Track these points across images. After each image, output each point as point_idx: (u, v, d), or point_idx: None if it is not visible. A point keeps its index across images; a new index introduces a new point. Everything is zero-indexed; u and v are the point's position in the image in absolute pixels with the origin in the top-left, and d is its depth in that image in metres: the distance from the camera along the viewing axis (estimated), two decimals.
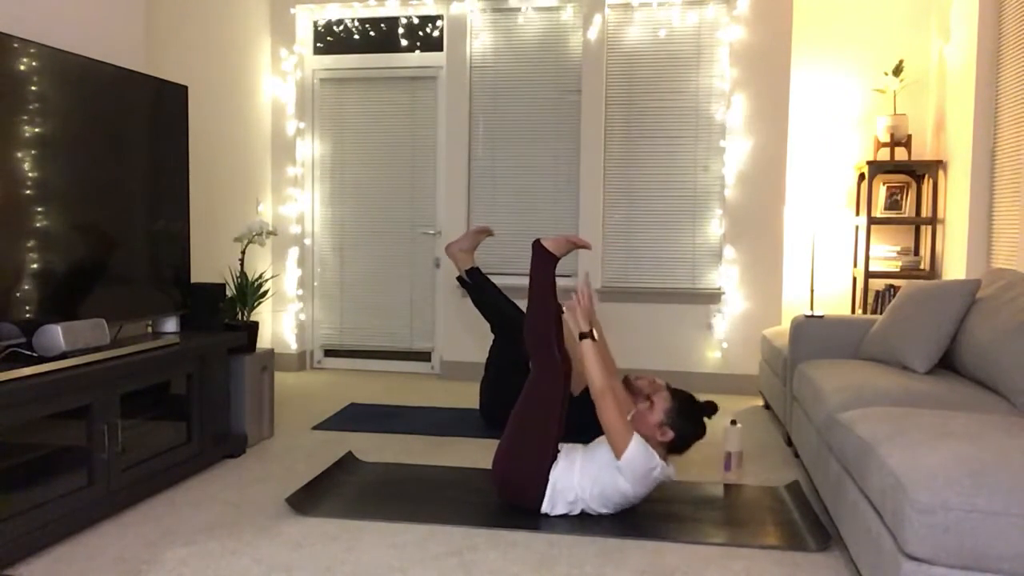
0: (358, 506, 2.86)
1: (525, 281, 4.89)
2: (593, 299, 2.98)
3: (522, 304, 4.34)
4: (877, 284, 4.97)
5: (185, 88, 3.43)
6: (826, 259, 5.16)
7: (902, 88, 4.94)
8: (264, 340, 5.43)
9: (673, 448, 2.78)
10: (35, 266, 2.64)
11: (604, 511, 2.78)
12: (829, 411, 2.71)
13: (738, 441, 3.29)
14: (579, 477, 2.77)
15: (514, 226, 5.27)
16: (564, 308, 2.94)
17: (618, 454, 2.67)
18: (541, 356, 2.83)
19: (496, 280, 5.04)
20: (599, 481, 2.73)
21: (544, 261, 2.95)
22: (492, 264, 5.26)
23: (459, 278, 4.10)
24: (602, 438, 2.85)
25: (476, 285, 4.05)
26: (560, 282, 5.12)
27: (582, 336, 2.82)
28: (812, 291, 5.00)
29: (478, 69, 5.26)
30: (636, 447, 2.66)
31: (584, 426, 3.83)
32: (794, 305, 5.16)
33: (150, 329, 3.48)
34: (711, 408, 2.81)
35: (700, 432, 2.79)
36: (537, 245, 2.98)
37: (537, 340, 2.84)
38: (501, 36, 5.23)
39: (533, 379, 2.83)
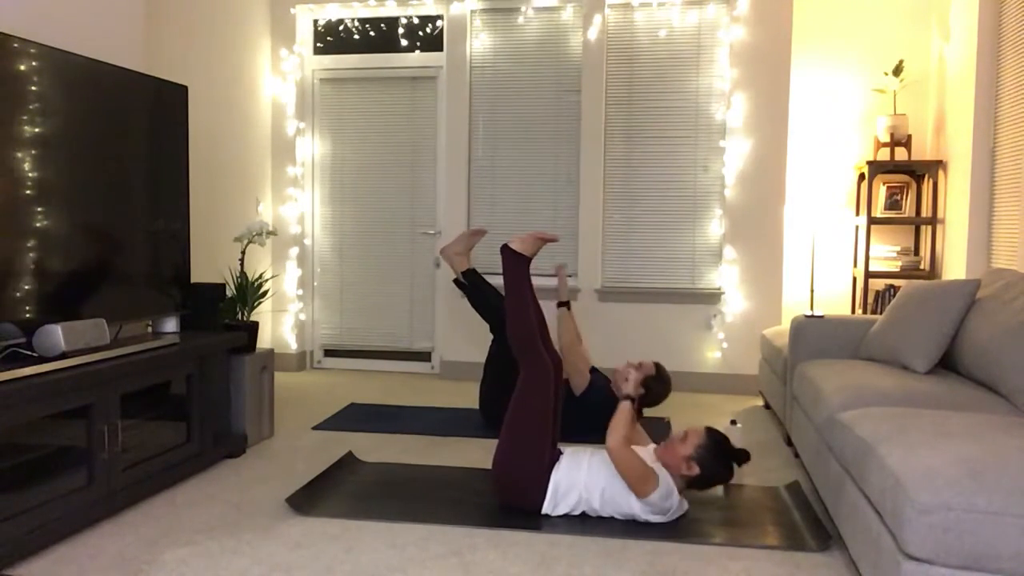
0: (358, 506, 2.86)
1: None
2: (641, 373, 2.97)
3: None
4: (877, 284, 4.97)
5: (185, 88, 3.43)
6: (826, 259, 5.16)
7: (902, 88, 4.94)
8: (264, 340, 5.43)
9: (695, 484, 2.75)
10: (35, 266, 2.64)
11: (605, 515, 2.78)
12: (829, 411, 2.71)
13: (738, 441, 3.29)
14: (586, 477, 2.75)
15: (514, 226, 5.26)
16: (616, 373, 2.88)
17: (639, 496, 2.66)
18: (529, 359, 2.81)
19: (495, 280, 5.04)
20: (613, 497, 2.72)
21: (516, 264, 2.89)
22: (491, 264, 5.25)
23: (455, 280, 4.11)
24: None
25: (472, 286, 4.04)
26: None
27: (626, 397, 2.80)
28: (812, 291, 5.00)
29: (478, 69, 5.26)
30: (659, 493, 2.64)
31: (586, 426, 3.84)
32: (794, 305, 5.16)
33: (150, 329, 3.48)
34: (743, 456, 2.77)
35: (727, 475, 2.76)
36: (505, 249, 2.91)
37: (522, 343, 2.82)
38: (501, 36, 5.23)
39: (523, 382, 2.81)
